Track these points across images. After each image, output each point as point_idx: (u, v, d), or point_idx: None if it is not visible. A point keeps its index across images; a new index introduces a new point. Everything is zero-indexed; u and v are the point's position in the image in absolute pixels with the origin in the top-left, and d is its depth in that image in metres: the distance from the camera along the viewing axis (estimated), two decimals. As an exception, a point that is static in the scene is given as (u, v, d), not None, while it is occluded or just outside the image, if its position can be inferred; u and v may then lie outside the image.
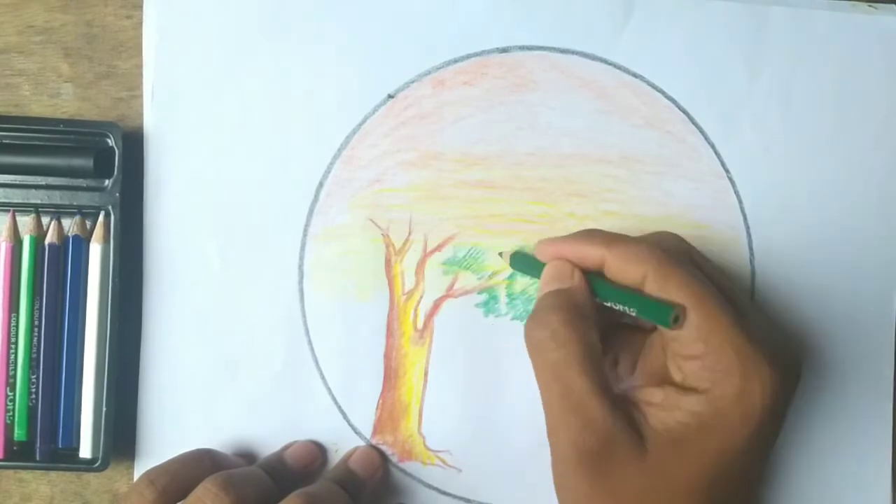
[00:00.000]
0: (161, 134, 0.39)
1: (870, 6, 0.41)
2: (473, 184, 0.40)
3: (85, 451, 0.38)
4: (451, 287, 0.40)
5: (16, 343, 0.38)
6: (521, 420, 0.39)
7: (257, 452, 0.39)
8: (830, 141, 0.41)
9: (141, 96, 0.39)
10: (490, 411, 0.40)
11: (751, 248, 0.41)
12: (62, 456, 0.38)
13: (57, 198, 0.38)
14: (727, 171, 0.40)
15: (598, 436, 0.32)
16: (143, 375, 0.39)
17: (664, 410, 0.33)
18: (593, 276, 0.35)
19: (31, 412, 0.38)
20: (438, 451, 0.40)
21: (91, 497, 0.40)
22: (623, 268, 0.34)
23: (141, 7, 0.39)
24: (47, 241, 0.38)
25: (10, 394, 0.38)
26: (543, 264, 0.37)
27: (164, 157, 0.39)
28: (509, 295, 0.40)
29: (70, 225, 0.39)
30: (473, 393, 0.40)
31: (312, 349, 0.40)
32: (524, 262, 0.38)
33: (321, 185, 0.40)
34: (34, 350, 0.38)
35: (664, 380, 0.34)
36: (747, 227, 0.40)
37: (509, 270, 0.40)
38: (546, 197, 0.40)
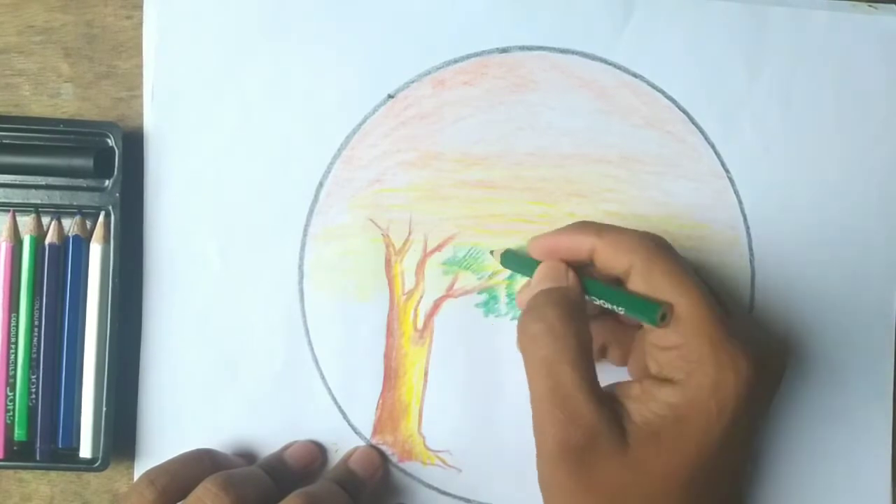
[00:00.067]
0: (161, 134, 0.39)
1: (870, 6, 0.41)
2: (473, 184, 0.40)
3: (85, 451, 0.38)
4: (451, 287, 0.40)
5: (16, 343, 0.38)
6: (521, 420, 0.39)
7: (257, 452, 0.39)
8: (830, 141, 0.41)
9: (141, 96, 0.39)
10: (490, 411, 0.40)
11: (751, 248, 0.41)
12: (62, 456, 0.38)
13: (57, 198, 0.38)
14: (727, 171, 0.40)
15: (583, 431, 0.32)
16: (143, 375, 0.39)
17: (642, 403, 0.33)
18: (584, 276, 0.36)
19: (31, 412, 0.38)
20: (438, 451, 0.40)
21: (91, 497, 0.40)
22: (612, 256, 0.34)
23: (141, 7, 0.39)
24: (47, 241, 0.38)
25: (10, 394, 0.38)
26: (534, 263, 0.37)
27: (164, 157, 0.39)
28: (509, 295, 0.40)
29: (70, 225, 0.39)
30: (473, 393, 0.40)
31: (312, 349, 0.40)
32: (515, 261, 0.38)
33: (321, 185, 0.40)
34: (34, 350, 0.38)
35: (643, 373, 0.35)
36: (747, 227, 0.40)
37: (509, 271, 0.40)
38: (546, 197, 0.40)
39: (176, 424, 0.39)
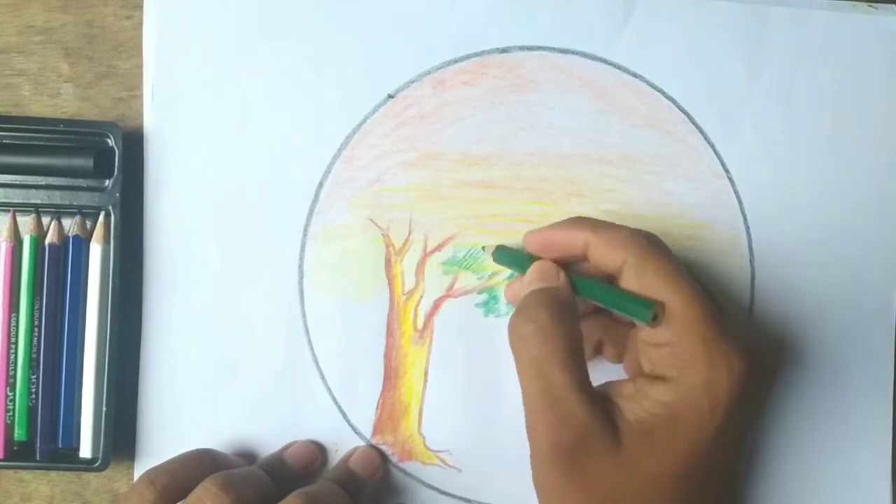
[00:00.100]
0: (161, 134, 0.39)
1: (870, 6, 0.41)
2: (473, 184, 0.40)
3: (85, 451, 0.38)
4: (451, 287, 0.40)
5: (16, 343, 0.38)
6: (521, 420, 0.39)
7: (257, 452, 0.39)
8: (830, 141, 0.41)
9: (141, 96, 0.39)
10: (490, 411, 0.40)
11: (751, 248, 0.41)
12: (62, 456, 0.38)
13: (57, 198, 0.38)
14: (727, 171, 0.40)
15: (574, 431, 0.32)
16: (143, 375, 0.39)
17: (635, 402, 0.33)
18: (575, 275, 0.36)
19: (31, 412, 0.38)
20: (438, 451, 0.40)
21: (91, 497, 0.40)
22: (606, 252, 0.35)
23: (141, 7, 0.39)
24: (47, 241, 0.38)
25: (10, 394, 0.38)
26: (526, 260, 0.37)
27: (164, 157, 0.39)
28: (509, 295, 0.40)
29: (70, 225, 0.39)
30: (473, 393, 0.40)
31: (312, 349, 0.40)
32: (507, 257, 0.38)
33: (321, 185, 0.40)
34: (34, 350, 0.38)
35: (637, 370, 0.35)
36: (747, 227, 0.40)
37: (509, 270, 0.40)
38: (546, 197, 0.40)
39: (176, 424, 0.39)
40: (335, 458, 0.40)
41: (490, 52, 0.40)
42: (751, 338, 0.35)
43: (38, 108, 0.40)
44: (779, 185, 0.41)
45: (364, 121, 0.40)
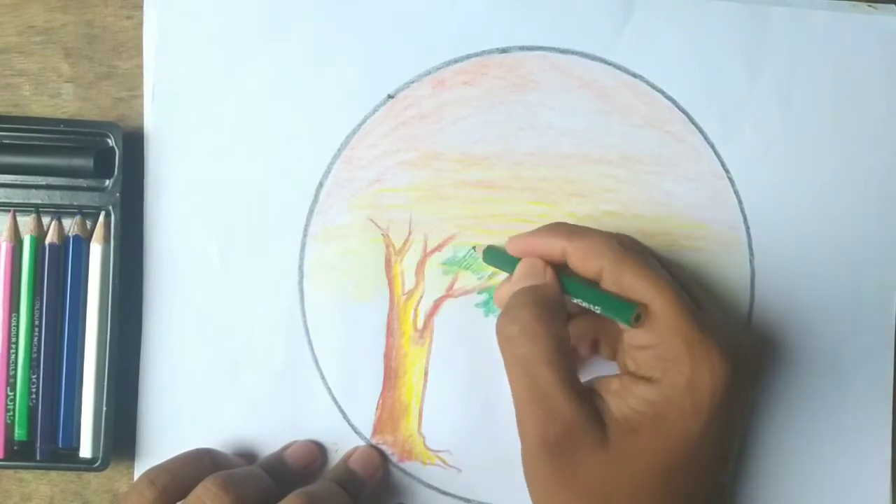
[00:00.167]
0: (161, 134, 0.39)
1: (870, 6, 0.41)
2: (473, 184, 0.40)
3: (85, 451, 0.38)
4: (451, 287, 0.40)
5: (16, 343, 0.38)
6: (521, 420, 0.39)
7: (257, 452, 0.39)
8: (830, 141, 0.41)
9: (141, 96, 0.39)
10: (490, 411, 0.40)
11: (751, 248, 0.41)
12: (62, 456, 0.38)
13: (57, 198, 0.38)
14: (727, 171, 0.40)
15: (562, 427, 0.33)
16: (143, 375, 0.39)
17: (621, 399, 0.34)
18: (563, 274, 0.36)
19: (31, 412, 0.38)
20: (438, 451, 0.40)
21: (91, 497, 0.40)
22: (581, 261, 0.35)
23: (141, 7, 0.39)
24: (48, 241, 0.38)
25: (10, 394, 0.38)
26: (516, 259, 0.37)
27: (165, 157, 0.39)
28: (509, 295, 0.40)
29: (70, 225, 0.39)
30: (473, 393, 0.40)
31: (312, 349, 0.40)
32: (497, 258, 0.39)
33: (321, 185, 0.40)
34: (34, 350, 0.38)
35: (623, 368, 0.36)
36: (747, 227, 0.40)
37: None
38: (546, 197, 0.40)
39: (176, 424, 0.39)
40: (335, 458, 0.40)
41: (490, 52, 0.40)
42: (734, 335, 0.35)
43: (39, 108, 0.40)
44: (779, 185, 0.41)
45: (364, 121, 0.40)
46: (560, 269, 0.36)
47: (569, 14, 0.40)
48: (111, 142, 0.38)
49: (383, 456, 0.40)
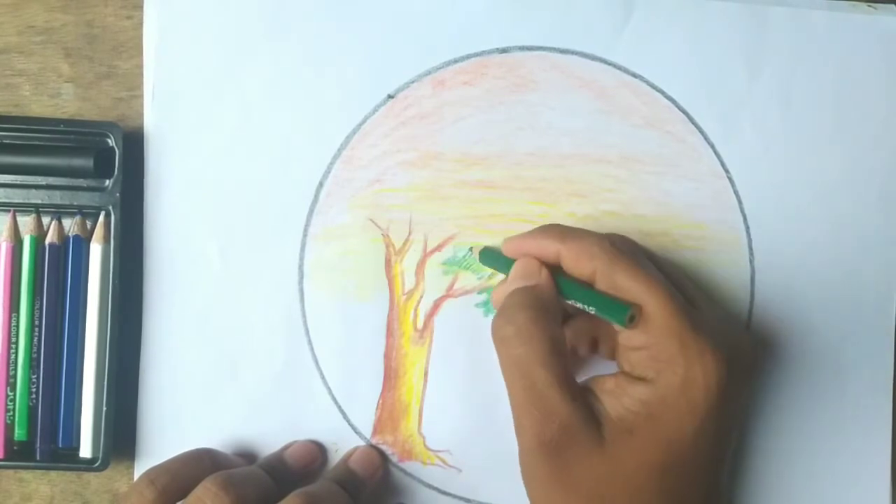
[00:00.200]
0: (161, 134, 0.39)
1: (869, 6, 0.41)
2: (473, 184, 0.40)
3: (85, 451, 0.38)
4: (451, 287, 0.40)
5: (16, 343, 0.38)
6: (521, 420, 0.39)
7: (257, 452, 0.39)
8: (830, 141, 0.41)
9: (141, 96, 0.39)
10: (490, 411, 0.40)
11: (751, 248, 0.41)
12: (62, 456, 0.38)
13: (57, 198, 0.38)
14: (727, 171, 0.40)
15: (558, 427, 0.33)
16: (143, 375, 0.39)
17: (616, 398, 0.34)
18: (558, 275, 0.36)
19: (31, 412, 0.38)
20: (438, 451, 0.40)
21: (91, 497, 0.40)
22: (575, 263, 0.35)
23: (141, 7, 0.39)
24: (48, 241, 0.38)
25: (10, 394, 0.38)
26: (511, 260, 0.37)
27: (165, 157, 0.39)
28: (509, 295, 0.40)
29: (70, 225, 0.39)
30: (473, 393, 0.40)
31: (312, 349, 0.40)
32: (493, 258, 0.39)
33: (321, 185, 0.40)
34: (34, 350, 0.38)
35: (619, 368, 0.36)
36: (747, 227, 0.40)
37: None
38: (546, 197, 0.40)
39: (176, 424, 0.39)
40: (335, 458, 0.40)
41: (490, 52, 0.40)
42: (729, 334, 0.36)
43: (39, 108, 0.40)
44: (779, 185, 0.41)
45: (364, 121, 0.40)
46: (555, 269, 0.36)
47: (569, 14, 0.40)
48: (111, 142, 0.38)
49: (383, 456, 0.40)
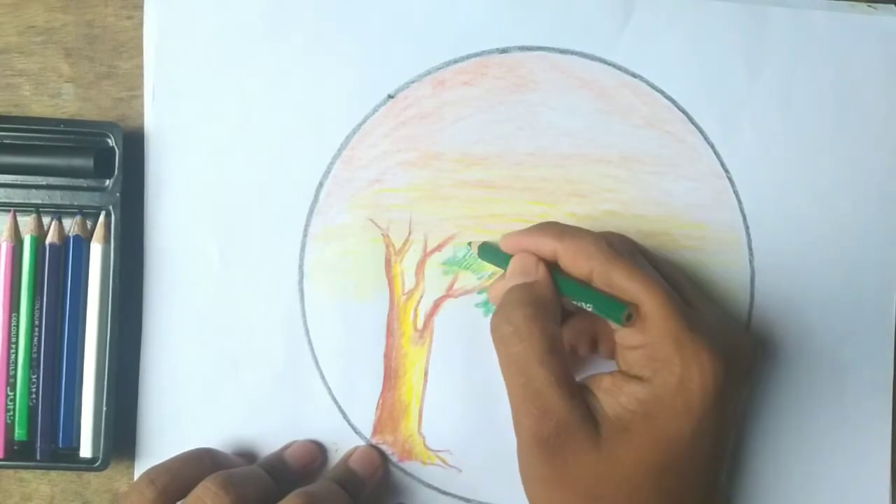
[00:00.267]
0: (161, 134, 0.39)
1: (869, 6, 0.41)
2: (473, 184, 0.40)
3: (85, 451, 0.38)
4: (451, 287, 0.40)
5: (16, 343, 0.38)
6: (521, 420, 0.39)
7: (257, 452, 0.39)
8: (830, 141, 0.41)
9: (141, 96, 0.39)
10: (490, 411, 0.40)
11: (750, 248, 0.41)
12: (62, 456, 0.38)
13: (58, 198, 0.38)
14: (727, 171, 0.40)
15: (555, 424, 0.33)
16: (143, 375, 0.39)
17: (613, 396, 0.34)
18: (556, 272, 0.36)
19: (31, 412, 0.38)
20: (438, 451, 0.40)
21: (91, 497, 0.40)
22: (572, 262, 0.35)
23: (141, 7, 0.39)
24: (48, 240, 0.38)
25: (10, 393, 0.38)
26: (510, 256, 0.37)
27: (165, 157, 0.39)
28: (509, 295, 0.40)
29: (71, 225, 0.39)
30: (473, 393, 0.40)
31: (312, 349, 0.40)
32: (491, 254, 0.39)
33: (321, 185, 0.40)
34: (34, 350, 0.38)
35: (617, 367, 0.36)
36: (747, 227, 0.40)
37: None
38: (546, 197, 0.40)
39: (176, 424, 0.39)
40: (335, 457, 0.40)
41: (490, 52, 0.40)
42: (727, 333, 0.36)
43: (39, 108, 0.40)
44: (779, 185, 0.41)
45: (364, 121, 0.40)
46: (553, 266, 0.36)
47: (569, 14, 0.40)
48: (111, 142, 0.38)
49: (383, 456, 0.40)
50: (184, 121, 0.39)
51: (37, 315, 0.38)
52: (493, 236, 0.40)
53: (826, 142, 0.41)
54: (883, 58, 0.41)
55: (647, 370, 0.34)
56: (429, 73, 0.40)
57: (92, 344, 0.38)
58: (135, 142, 0.39)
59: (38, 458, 0.38)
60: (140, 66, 0.39)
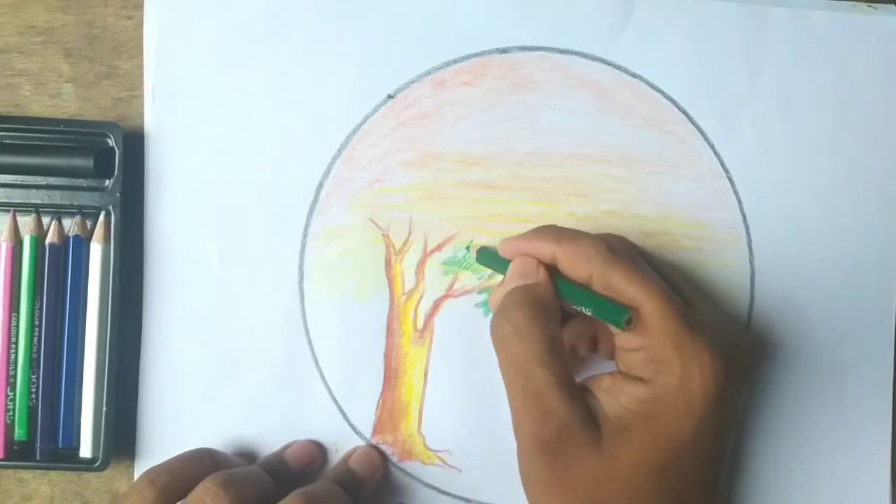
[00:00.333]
0: (161, 134, 0.39)
1: (869, 6, 0.41)
2: (473, 184, 0.40)
3: (85, 451, 0.38)
4: (451, 287, 0.40)
5: (16, 343, 0.38)
6: (521, 420, 0.39)
7: (257, 452, 0.39)
8: (830, 141, 0.41)
9: (141, 96, 0.39)
10: (490, 411, 0.40)
11: (750, 248, 0.41)
12: (62, 456, 0.38)
13: (57, 198, 0.38)
14: (727, 171, 0.40)
15: (556, 426, 0.33)
16: (143, 375, 0.39)
17: (613, 397, 0.34)
18: (555, 276, 0.36)
19: (31, 412, 0.38)
20: (438, 451, 0.40)
21: (91, 497, 0.40)
22: (571, 265, 0.35)
23: (141, 7, 0.39)
24: (48, 241, 0.38)
25: (10, 394, 0.38)
26: (508, 260, 0.37)
27: (165, 157, 0.39)
28: (509, 295, 0.40)
29: (70, 225, 0.39)
30: (473, 393, 0.40)
31: (312, 349, 0.40)
32: (489, 258, 0.39)
33: (321, 185, 0.40)
34: (34, 350, 0.38)
35: (616, 368, 0.36)
36: (747, 227, 0.40)
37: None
38: (546, 197, 0.40)
39: (176, 424, 0.39)
40: (335, 457, 0.40)
41: (490, 52, 0.40)
42: (726, 333, 0.36)
43: (39, 108, 0.40)
44: (779, 185, 0.41)
45: (364, 121, 0.40)
46: (553, 270, 0.36)
47: (569, 14, 0.40)
48: (111, 142, 0.38)
49: (383, 456, 0.40)
50: (184, 121, 0.39)
51: (37, 315, 0.38)
52: (493, 236, 0.40)
53: (826, 142, 0.41)
54: (883, 58, 0.41)
55: (648, 371, 0.34)
56: (429, 73, 0.40)
57: (92, 344, 0.38)
58: (135, 142, 0.39)
59: (38, 458, 0.38)
60: (140, 66, 0.39)
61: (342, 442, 0.40)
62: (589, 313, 0.35)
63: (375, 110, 0.40)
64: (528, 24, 0.40)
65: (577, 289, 0.35)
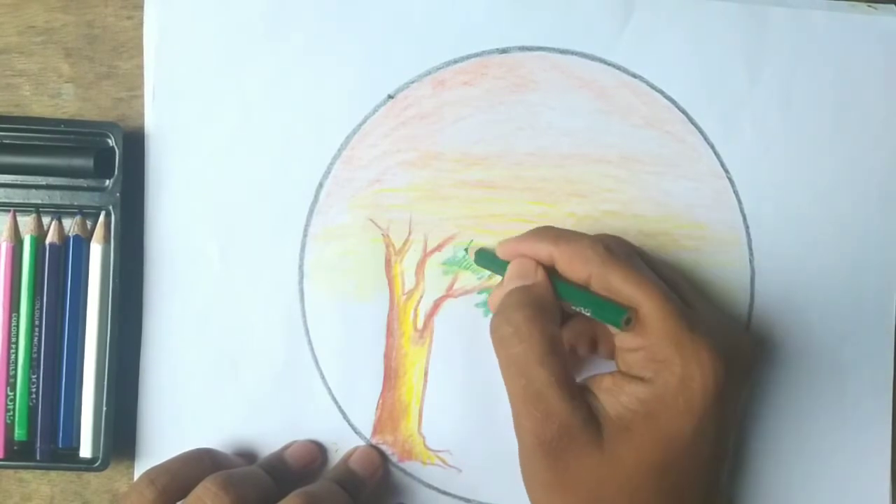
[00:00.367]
0: (161, 134, 0.39)
1: (869, 6, 0.41)
2: (473, 184, 0.40)
3: (85, 451, 0.38)
4: (451, 287, 0.40)
5: (16, 343, 0.38)
6: (521, 420, 0.39)
7: (257, 452, 0.39)
8: (830, 141, 0.41)
9: (141, 96, 0.39)
10: (490, 411, 0.40)
11: (750, 248, 0.41)
12: (62, 456, 0.38)
13: (57, 198, 0.38)
14: (727, 171, 0.40)
15: (557, 427, 0.33)
16: (143, 375, 0.39)
17: (614, 396, 0.34)
18: (554, 277, 0.36)
19: (31, 412, 0.38)
20: (438, 451, 0.40)
21: (91, 497, 0.40)
22: (569, 266, 0.35)
23: (142, 7, 0.39)
24: (48, 240, 0.38)
25: (10, 394, 0.38)
26: (506, 262, 0.37)
27: (165, 157, 0.39)
28: (509, 295, 0.40)
29: (71, 225, 0.39)
30: (473, 393, 0.40)
31: (312, 349, 0.40)
32: (488, 260, 0.39)
33: (321, 185, 0.40)
34: (34, 350, 0.38)
35: (617, 368, 0.36)
36: (747, 227, 0.40)
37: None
38: (546, 197, 0.40)
39: (176, 424, 0.39)
40: (335, 458, 0.40)
41: (490, 52, 0.40)
42: (726, 333, 0.36)
43: (39, 108, 0.40)
44: (779, 185, 0.41)
45: (364, 121, 0.40)
46: (552, 271, 0.36)
47: (569, 14, 0.40)
48: (111, 142, 0.38)
49: (383, 456, 0.40)
50: (184, 121, 0.39)
51: (37, 315, 0.38)
52: (493, 236, 0.40)
53: (826, 142, 0.41)
54: (883, 58, 0.41)
55: (648, 371, 0.34)
56: (429, 73, 0.40)
57: (92, 344, 0.38)
58: (135, 142, 0.39)
59: (38, 458, 0.38)
60: (140, 66, 0.39)
61: (342, 442, 0.40)
62: (588, 314, 0.35)
63: (375, 110, 0.40)
64: (528, 24, 0.40)
65: (576, 289, 0.35)
